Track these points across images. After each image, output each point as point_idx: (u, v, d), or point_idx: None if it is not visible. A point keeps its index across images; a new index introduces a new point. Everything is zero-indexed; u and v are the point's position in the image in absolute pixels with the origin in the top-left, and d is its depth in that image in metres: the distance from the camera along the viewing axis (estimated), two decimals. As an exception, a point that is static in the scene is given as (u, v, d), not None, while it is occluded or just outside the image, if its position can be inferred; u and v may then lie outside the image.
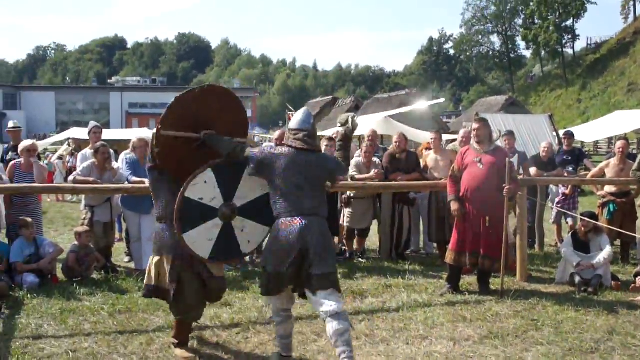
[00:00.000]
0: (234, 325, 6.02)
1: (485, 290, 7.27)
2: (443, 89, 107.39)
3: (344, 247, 9.34)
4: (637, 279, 7.56)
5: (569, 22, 67.83)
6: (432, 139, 9.42)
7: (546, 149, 10.39)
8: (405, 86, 76.12)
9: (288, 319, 5.02)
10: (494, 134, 7.59)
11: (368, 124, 20.10)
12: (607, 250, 7.66)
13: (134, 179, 7.88)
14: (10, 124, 10.06)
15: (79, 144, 20.14)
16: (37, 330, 5.84)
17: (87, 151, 9.25)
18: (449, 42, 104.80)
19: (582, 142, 26.14)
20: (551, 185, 10.63)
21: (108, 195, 8.12)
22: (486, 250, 7.06)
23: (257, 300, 6.70)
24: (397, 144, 9.21)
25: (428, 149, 9.72)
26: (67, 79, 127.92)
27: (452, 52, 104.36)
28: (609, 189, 9.28)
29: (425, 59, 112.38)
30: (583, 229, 7.81)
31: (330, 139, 9.01)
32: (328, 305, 4.60)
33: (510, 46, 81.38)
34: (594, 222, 7.82)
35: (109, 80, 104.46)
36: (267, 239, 4.99)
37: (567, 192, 10.32)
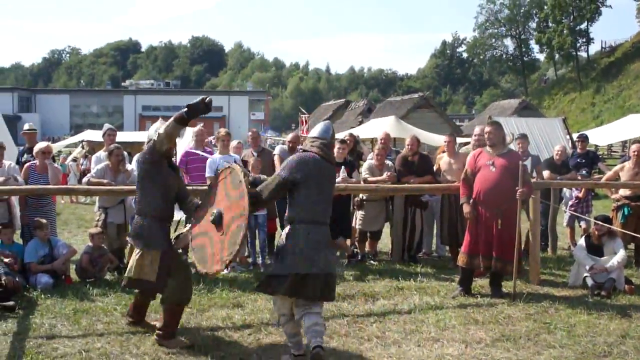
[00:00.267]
0: (245, 326, 6.04)
1: (497, 293, 7.24)
2: (456, 93, 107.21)
3: (356, 250, 9.34)
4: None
5: (583, 26, 67.38)
6: (445, 142, 9.40)
7: (560, 152, 10.34)
8: (418, 89, 76.09)
9: (292, 317, 5.09)
10: (507, 137, 7.57)
11: (381, 126, 20.11)
12: (620, 254, 7.61)
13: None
14: (26, 127, 10.14)
15: (93, 147, 20.29)
16: (50, 330, 5.89)
17: (101, 153, 9.30)
18: (462, 45, 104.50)
19: (596, 146, 25.98)
20: (565, 189, 10.58)
21: (121, 197, 8.17)
22: (498, 253, 7.04)
23: (269, 302, 6.69)
24: (410, 146, 9.20)
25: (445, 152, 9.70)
26: (82, 82, 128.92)
27: (465, 55, 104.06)
28: (623, 192, 9.21)
29: (439, 62, 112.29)
30: (597, 232, 7.77)
31: (343, 141, 9.04)
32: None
33: (523, 49, 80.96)
34: (608, 225, 7.78)
35: (122, 84, 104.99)
36: (284, 242, 5.05)
37: (580, 195, 10.26)
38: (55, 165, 9.21)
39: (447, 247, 9.39)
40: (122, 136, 17.68)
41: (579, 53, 68.53)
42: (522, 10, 78.94)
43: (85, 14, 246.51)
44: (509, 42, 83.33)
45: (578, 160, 10.93)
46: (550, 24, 70.02)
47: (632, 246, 9.38)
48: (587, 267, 7.59)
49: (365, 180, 8.88)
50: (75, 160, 21.45)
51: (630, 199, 9.11)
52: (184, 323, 6.08)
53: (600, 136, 24.45)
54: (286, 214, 5.11)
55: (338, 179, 8.32)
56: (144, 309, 5.96)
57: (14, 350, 5.30)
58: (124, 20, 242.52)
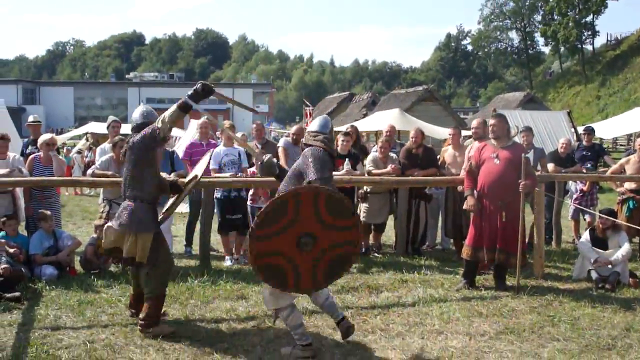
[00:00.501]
0: (249, 319, 6.05)
1: (501, 285, 7.23)
2: (460, 85, 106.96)
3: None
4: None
5: (589, 18, 67.09)
6: (450, 134, 9.38)
7: (564, 145, 10.32)
8: (422, 82, 75.89)
9: (295, 306, 5.16)
10: (511, 130, 7.55)
11: (385, 119, 20.10)
12: (625, 248, 7.59)
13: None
14: (30, 118, 10.16)
15: (97, 139, 20.32)
16: (55, 321, 5.91)
17: (106, 145, 9.31)
18: (467, 38, 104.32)
19: (601, 139, 25.89)
20: (571, 182, 10.55)
21: (126, 189, 8.16)
22: (502, 246, 7.02)
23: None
24: (414, 139, 9.18)
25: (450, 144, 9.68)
26: (86, 74, 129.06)
27: (470, 48, 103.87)
28: (628, 185, 9.18)
29: (443, 55, 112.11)
30: (601, 225, 7.75)
31: (347, 134, 9.03)
32: None
33: (528, 42, 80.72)
34: (613, 219, 7.75)
35: (127, 76, 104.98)
36: None
37: (584, 188, 10.24)
38: (60, 157, 9.22)
39: (452, 240, 9.38)
40: (126, 128, 17.68)
41: (584, 46, 68.44)
42: (527, 3, 78.72)
43: (90, 6, 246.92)
44: (514, 35, 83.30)
45: (584, 152, 10.90)
46: (555, 17, 69.82)
47: (637, 239, 9.37)
48: (592, 261, 7.58)
49: (369, 173, 8.87)
50: (79, 152, 21.48)
51: (635, 192, 9.07)
52: (188, 314, 6.10)
53: (606, 129, 24.39)
54: None
55: (342, 171, 8.32)
56: (162, 302, 5.85)
57: (19, 341, 5.31)
58: (128, 13, 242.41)
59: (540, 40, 78.46)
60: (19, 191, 8.27)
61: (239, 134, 9.17)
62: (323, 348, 5.28)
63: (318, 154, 5.12)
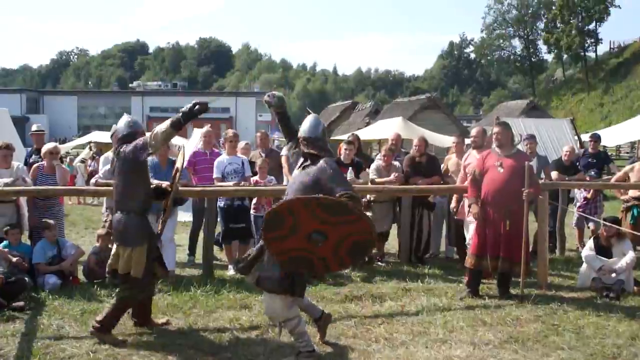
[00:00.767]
0: (253, 328, 6.03)
1: (505, 294, 7.20)
2: (463, 94, 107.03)
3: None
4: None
5: (592, 26, 67.10)
6: (454, 143, 9.37)
7: (568, 153, 10.30)
8: (425, 90, 75.93)
9: (301, 317, 5.19)
10: (515, 138, 7.53)
11: (389, 127, 20.09)
12: (629, 256, 7.56)
13: (155, 182, 7.91)
14: (34, 128, 10.18)
15: (101, 148, 20.37)
16: (58, 331, 5.89)
17: (109, 154, 9.31)
18: (470, 46, 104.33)
19: (605, 147, 25.83)
20: (575, 190, 10.52)
21: (129, 198, 8.16)
22: (506, 254, 7.00)
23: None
24: (417, 147, 9.18)
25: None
26: (90, 83, 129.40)
27: (472, 56, 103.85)
28: (633, 193, 9.16)
29: (446, 63, 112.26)
30: (605, 233, 7.72)
31: (350, 142, 9.04)
32: None
33: (531, 50, 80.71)
34: (617, 226, 7.73)
35: (130, 85, 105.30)
36: None
37: (588, 196, 10.21)
38: (63, 166, 9.23)
39: (455, 248, 9.35)
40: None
41: (587, 53, 68.32)
42: (530, 11, 78.79)
43: (93, 16, 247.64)
44: (516, 43, 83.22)
45: (589, 160, 10.90)
46: (558, 25, 69.79)
47: (641, 248, 9.33)
48: (596, 269, 7.55)
49: (372, 181, 8.87)
50: (83, 161, 21.53)
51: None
52: (192, 324, 6.09)
53: (609, 137, 24.29)
54: None
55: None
56: (147, 308, 5.96)
57: (21, 351, 5.30)
58: (132, 22, 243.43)
59: (543, 48, 78.56)
60: (23, 200, 8.27)
61: (242, 143, 9.17)
62: (326, 357, 5.26)
63: (334, 165, 5.13)
